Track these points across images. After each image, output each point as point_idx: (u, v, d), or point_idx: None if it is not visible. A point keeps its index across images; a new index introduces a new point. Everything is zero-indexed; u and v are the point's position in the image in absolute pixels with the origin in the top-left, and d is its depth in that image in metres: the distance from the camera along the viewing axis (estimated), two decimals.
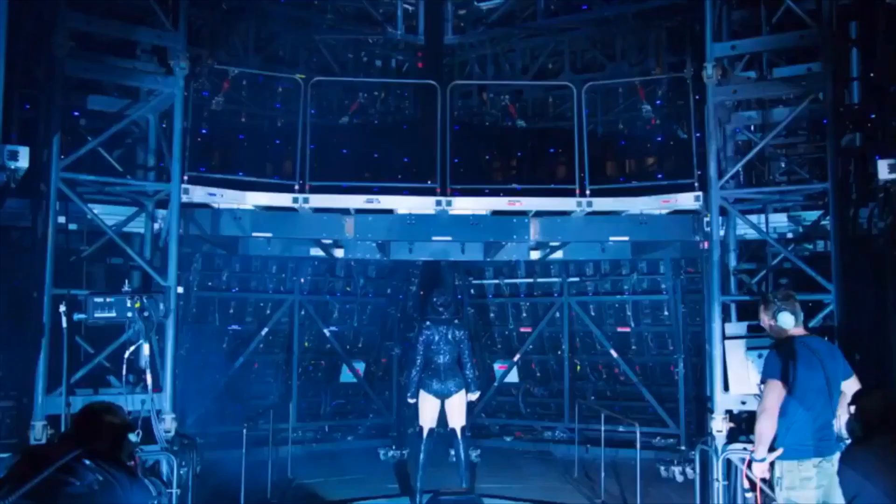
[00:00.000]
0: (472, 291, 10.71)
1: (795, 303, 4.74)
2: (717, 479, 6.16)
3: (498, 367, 10.59)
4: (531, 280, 10.32)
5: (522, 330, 10.49)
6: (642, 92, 9.31)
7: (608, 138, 10.19)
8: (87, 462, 2.87)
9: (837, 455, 3.25)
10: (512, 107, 10.77)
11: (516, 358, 10.39)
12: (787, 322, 4.66)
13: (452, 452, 8.06)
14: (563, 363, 10.22)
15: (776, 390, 4.56)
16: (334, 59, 10.53)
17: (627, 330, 9.88)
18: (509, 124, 10.78)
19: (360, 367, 10.39)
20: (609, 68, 10.24)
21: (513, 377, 10.56)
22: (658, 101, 9.65)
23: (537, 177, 9.63)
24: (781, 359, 4.60)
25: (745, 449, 6.02)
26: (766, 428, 4.57)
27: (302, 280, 9.75)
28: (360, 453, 9.63)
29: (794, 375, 4.51)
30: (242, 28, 9.50)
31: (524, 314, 10.48)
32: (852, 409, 3.25)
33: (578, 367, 10.31)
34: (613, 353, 9.79)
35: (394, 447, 9.60)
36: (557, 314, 10.14)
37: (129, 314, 5.99)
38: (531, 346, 10.43)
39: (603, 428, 8.52)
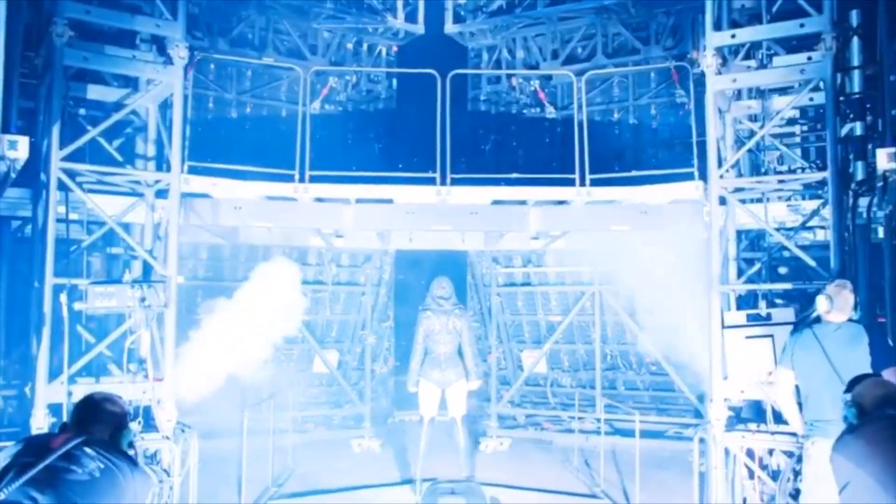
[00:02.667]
0: (499, 280, 10.60)
1: (844, 292, 4.87)
2: (716, 467, 6.19)
3: (526, 356, 10.46)
4: (561, 268, 10.18)
5: (551, 319, 10.35)
6: (676, 76, 9.17)
7: (640, 125, 10.11)
8: (88, 450, 2.89)
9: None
10: (541, 92, 10.69)
11: (545, 347, 10.23)
12: (820, 306, 4.90)
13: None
14: (593, 353, 10.08)
15: (779, 374, 5.07)
16: (304, 43, 10.41)
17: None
18: (538, 110, 10.70)
19: (334, 356, 10.25)
20: (643, 52, 10.10)
21: (541, 367, 10.40)
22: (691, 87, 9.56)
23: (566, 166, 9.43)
24: (787, 344, 5.06)
25: (742, 437, 6.06)
26: (783, 410, 5.13)
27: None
28: (336, 444, 9.60)
29: (793, 358, 4.92)
30: (207, 9, 9.39)
31: (553, 303, 10.35)
32: (847, 396, 3.26)
33: (609, 357, 10.23)
34: (647, 343, 9.54)
35: (366, 438, 9.59)
36: (588, 303, 9.99)
37: (130, 303, 6.01)
38: (560, 336, 10.25)
39: (603, 417, 8.58)
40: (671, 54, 9.69)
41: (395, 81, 11.36)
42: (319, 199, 7.71)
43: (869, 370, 4.39)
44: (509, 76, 10.99)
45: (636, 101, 10.44)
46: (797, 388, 4.99)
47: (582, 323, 10.22)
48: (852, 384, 3.31)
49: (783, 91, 7.00)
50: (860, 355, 4.64)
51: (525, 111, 11.07)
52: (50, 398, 5.75)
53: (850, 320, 4.88)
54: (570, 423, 9.92)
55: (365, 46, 11.10)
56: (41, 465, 2.75)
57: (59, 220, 5.93)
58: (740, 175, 6.89)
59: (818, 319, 4.97)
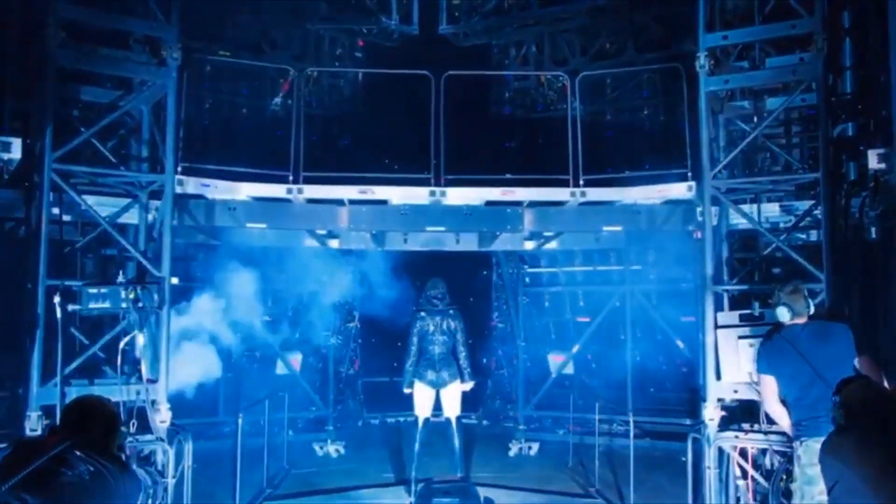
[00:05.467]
0: (526, 280, 10.50)
1: (799, 296, 4.97)
2: (709, 467, 6.20)
3: (553, 358, 10.30)
4: (590, 268, 10.08)
5: (580, 320, 10.22)
6: None
7: (669, 122, 10.04)
8: (78, 453, 2.89)
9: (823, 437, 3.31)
10: (567, 87, 10.64)
11: (574, 349, 10.05)
12: (782, 316, 5.00)
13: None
14: (623, 354, 9.94)
15: (763, 382, 5.12)
16: (263, 38, 10.11)
17: (693, 319, 9.73)
18: (564, 107, 10.61)
19: (298, 358, 10.05)
20: (674, 47, 9.91)
21: (568, 369, 10.23)
22: None
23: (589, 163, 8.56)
24: (760, 351, 5.15)
25: (736, 437, 6.07)
26: (774, 416, 5.13)
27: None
28: (301, 447, 9.51)
29: (769, 364, 5.00)
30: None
31: (582, 303, 10.24)
32: (836, 398, 3.28)
33: (638, 358, 10.09)
34: (679, 343, 9.43)
35: (329, 441, 9.50)
36: (617, 303, 9.88)
37: (124, 305, 5.99)
38: (589, 337, 10.07)
39: (598, 417, 8.57)
40: None
41: (360, 76, 11.10)
42: (313, 201, 7.71)
43: (849, 362, 4.52)
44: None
45: (665, 97, 10.34)
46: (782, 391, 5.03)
47: (611, 323, 10.05)
48: (840, 386, 3.33)
49: (776, 92, 7.02)
50: (836, 349, 4.74)
51: (552, 108, 11.00)
52: (44, 400, 5.74)
53: (810, 317, 4.99)
54: (598, 425, 9.53)
55: (327, 41, 10.87)
56: (31, 467, 2.76)
57: (52, 222, 5.93)
58: (733, 176, 6.90)
59: (782, 325, 5.05)
